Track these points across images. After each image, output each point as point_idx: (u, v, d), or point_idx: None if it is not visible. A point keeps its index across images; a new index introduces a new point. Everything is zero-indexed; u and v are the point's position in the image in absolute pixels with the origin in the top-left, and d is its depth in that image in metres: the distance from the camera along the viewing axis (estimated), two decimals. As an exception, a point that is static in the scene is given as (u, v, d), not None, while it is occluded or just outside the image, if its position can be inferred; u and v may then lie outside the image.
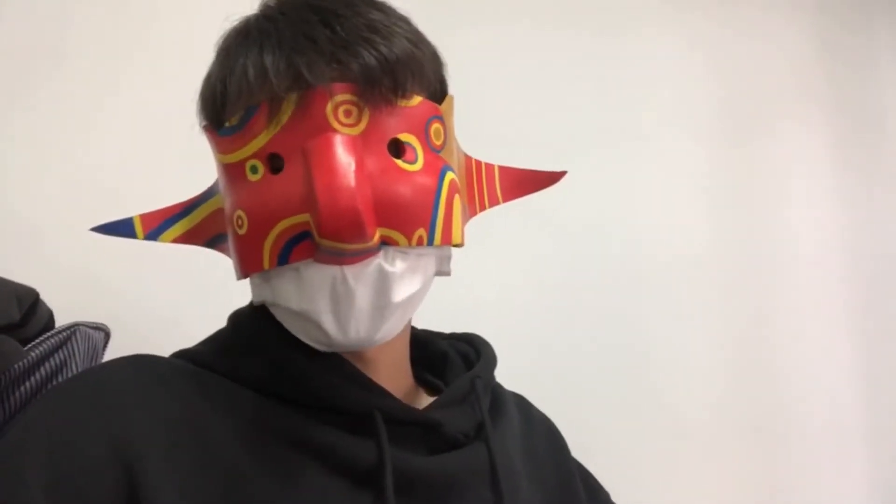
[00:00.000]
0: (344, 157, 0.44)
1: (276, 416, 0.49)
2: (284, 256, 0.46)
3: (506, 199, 0.62)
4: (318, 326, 0.48)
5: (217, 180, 0.56)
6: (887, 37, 1.73)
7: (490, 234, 1.13)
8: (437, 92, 0.54)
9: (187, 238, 0.56)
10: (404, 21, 0.52)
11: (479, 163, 0.60)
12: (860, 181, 1.63)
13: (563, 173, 0.64)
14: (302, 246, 0.46)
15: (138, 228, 0.54)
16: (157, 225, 0.55)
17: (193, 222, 0.56)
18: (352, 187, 0.43)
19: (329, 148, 0.45)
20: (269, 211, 0.47)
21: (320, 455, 0.48)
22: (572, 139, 1.25)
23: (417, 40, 0.51)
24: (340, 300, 0.47)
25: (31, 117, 0.85)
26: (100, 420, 0.45)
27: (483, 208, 0.60)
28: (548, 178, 0.64)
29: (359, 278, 0.47)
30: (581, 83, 1.29)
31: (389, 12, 0.52)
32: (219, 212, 0.54)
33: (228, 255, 0.56)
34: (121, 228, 0.54)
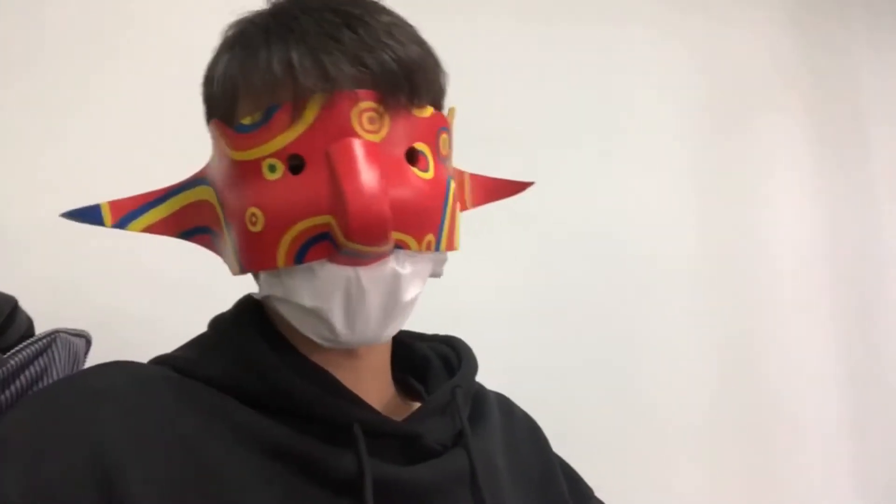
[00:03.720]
0: (370, 163, 0.46)
1: (256, 424, 0.49)
2: (301, 256, 0.47)
3: (474, 205, 0.64)
4: (328, 323, 0.49)
5: (203, 172, 0.55)
6: (865, 29, 1.75)
7: (476, 236, 1.13)
8: (440, 101, 0.56)
9: (160, 228, 0.55)
10: (411, 28, 0.54)
11: (456, 170, 0.61)
12: (842, 175, 1.65)
13: (530, 183, 0.67)
14: (319, 247, 0.47)
15: (106, 215, 0.53)
16: (128, 212, 0.54)
17: (169, 211, 0.55)
18: (379, 192, 0.45)
19: (356, 153, 0.46)
20: (288, 211, 0.47)
21: (300, 465, 0.49)
22: (552, 137, 1.25)
23: (426, 48, 0.53)
24: (353, 300, 0.48)
25: (4, 118, 0.84)
26: (79, 427, 0.45)
27: None
28: (515, 187, 0.67)
29: (372, 280, 0.48)
30: (562, 80, 1.29)
31: (399, 19, 0.53)
32: (201, 204, 0.54)
33: (208, 247, 0.56)
34: (88, 215, 0.53)
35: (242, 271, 0.52)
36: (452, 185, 0.53)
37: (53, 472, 0.43)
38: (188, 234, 0.56)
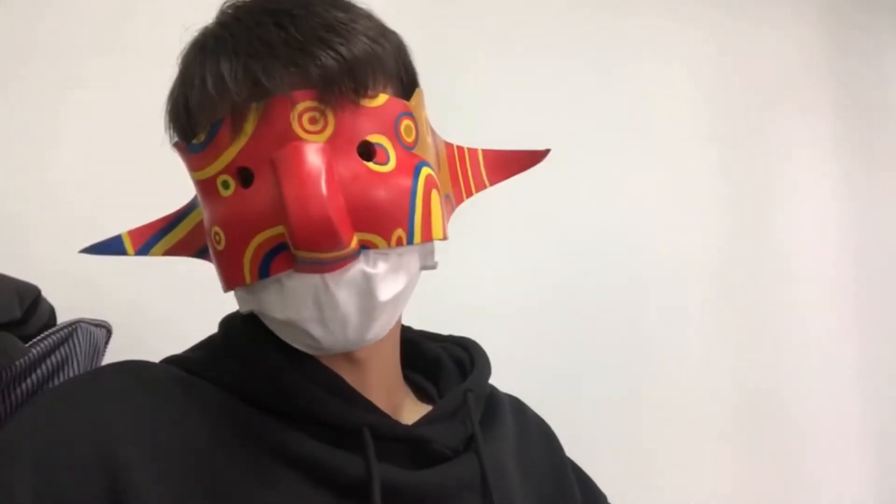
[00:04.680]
0: (312, 166, 0.44)
1: (264, 427, 0.49)
2: (265, 270, 0.46)
3: (492, 182, 0.61)
4: (307, 334, 0.48)
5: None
6: (891, 29, 1.72)
7: (492, 235, 1.13)
8: (406, 84, 0.53)
9: (178, 250, 0.56)
10: (365, 17, 0.51)
11: (461, 149, 0.60)
12: (869, 177, 1.61)
13: (546, 152, 0.63)
14: (281, 257, 0.46)
15: (128, 245, 0.55)
16: (146, 240, 0.55)
17: (179, 236, 0.56)
18: (322, 196, 0.43)
19: (296, 158, 0.44)
20: (244, 226, 0.46)
21: (306, 468, 0.49)
22: (571, 135, 1.24)
23: (379, 35, 0.50)
24: (325, 308, 0.47)
25: (24, 112, 0.85)
26: (87, 428, 0.45)
27: (470, 194, 0.60)
28: (532, 157, 0.63)
29: (340, 285, 0.46)
30: (583, 79, 1.28)
31: (349, 9, 0.51)
32: (201, 224, 0.54)
33: None
34: (111, 247, 0.54)
35: (224, 290, 0.52)
36: (424, 171, 0.50)
37: (63, 472, 0.43)
38: (200, 254, 0.57)
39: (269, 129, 0.46)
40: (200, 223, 0.54)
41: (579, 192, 1.23)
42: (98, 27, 0.90)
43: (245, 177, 0.47)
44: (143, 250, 0.55)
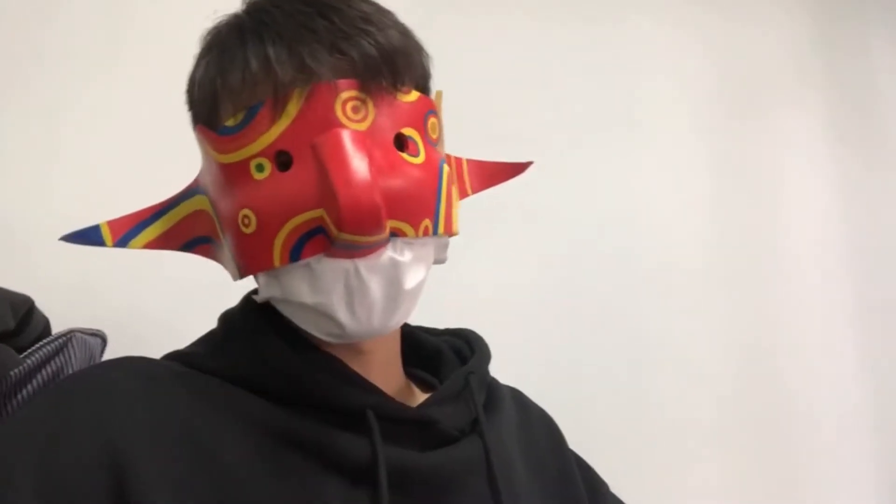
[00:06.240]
0: (358, 153, 0.45)
1: (269, 415, 0.49)
2: (296, 253, 0.47)
3: (474, 191, 0.64)
4: (332, 319, 0.48)
5: (196, 182, 0.56)
6: (881, 22, 1.73)
7: (490, 231, 1.13)
8: (426, 85, 0.55)
9: (160, 243, 0.55)
10: (390, 13, 0.53)
11: (448, 156, 0.61)
12: (861, 171, 1.62)
13: (528, 164, 0.66)
14: (314, 241, 0.47)
15: (106, 235, 0.54)
16: (127, 231, 0.54)
17: (167, 226, 0.55)
18: (369, 181, 0.44)
19: (342, 143, 0.45)
20: (280, 208, 0.47)
21: (314, 454, 0.48)
22: (565, 133, 1.25)
23: (406, 32, 0.53)
24: (354, 292, 0.48)
25: (20, 120, 0.85)
26: (91, 423, 0.45)
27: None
28: (514, 169, 0.66)
29: (372, 270, 0.47)
30: (575, 74, 1.28)
31: (376, 5, 0.53)
32: (198, 214, 0.54)
33: (210, 257, 0.56)
34: (88, 236, 0.53)
35: (241, 276, 0.51)
36: (445, 167, 0.53)
37: (66, 465, 0.43)
38: (189, 246, 0.56)
39: (313, 113, 0.47)
40: (196, 213, 0.54)
41: (576, 189, 1.23)
42: (98, 35, 0.90)
43: (282, 161, 0.48)
44: (122, 241, 0.54)
